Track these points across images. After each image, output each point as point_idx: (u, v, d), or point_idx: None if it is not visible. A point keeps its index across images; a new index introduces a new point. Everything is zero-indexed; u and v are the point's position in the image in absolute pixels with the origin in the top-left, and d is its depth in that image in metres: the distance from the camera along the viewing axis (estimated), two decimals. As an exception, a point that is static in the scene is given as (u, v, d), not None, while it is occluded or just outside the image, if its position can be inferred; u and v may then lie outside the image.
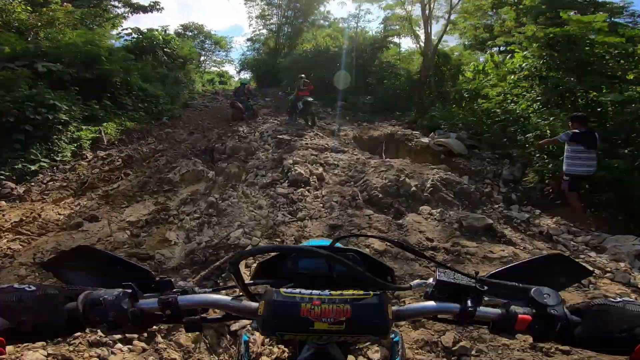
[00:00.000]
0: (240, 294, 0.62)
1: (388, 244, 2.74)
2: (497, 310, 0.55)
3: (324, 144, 6.55)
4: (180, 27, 29.55)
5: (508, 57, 8.72)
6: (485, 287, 0.57)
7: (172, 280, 0.58)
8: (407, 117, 10.61)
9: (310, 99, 8.30)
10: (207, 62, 32.97)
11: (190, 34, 30.11)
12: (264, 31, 26.65)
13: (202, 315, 0.57)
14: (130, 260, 0.61)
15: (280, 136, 6.88)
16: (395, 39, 17.00)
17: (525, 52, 7.30)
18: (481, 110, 7.67)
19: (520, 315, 0.52)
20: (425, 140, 7.44)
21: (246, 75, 26.98)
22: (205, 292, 0.59)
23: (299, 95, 8.53)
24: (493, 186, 5.48)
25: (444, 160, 6.42)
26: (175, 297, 0.53)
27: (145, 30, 13.98)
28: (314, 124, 8.56)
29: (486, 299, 0.58)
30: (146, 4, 15.05)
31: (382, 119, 11.00)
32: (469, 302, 0.55)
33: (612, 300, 0.52)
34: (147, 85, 9.65)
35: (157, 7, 15.31)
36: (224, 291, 0.62)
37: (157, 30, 14.46)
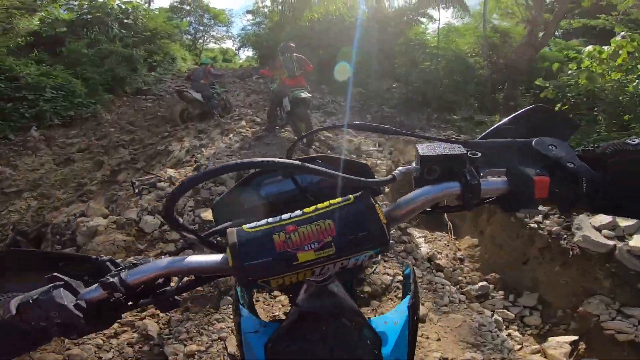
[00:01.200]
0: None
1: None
2: (504, 179, 0.47)
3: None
4: (177, 0, 26.29)
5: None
6: (479, 154, 0.47)
7: (113, 259, 0.49)
8: (476, 123, 6.66)
9: (304, 93, 4.59)
10: (207, 38, 29.45)
11: (188, 7, 26.66)
12: (267, 2, 22.90)
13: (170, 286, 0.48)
14: (71, 252, 0.30)
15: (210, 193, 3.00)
16: (431, 11, 12.68)
17: None
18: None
19: (536, 178, 0.43)
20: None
21: (247, 52, 23.40)
22: (159, 259, 0.47)
23: (284, 86, 4.79)
24: None
25: None
26: (118, 273, 0.44)
27: (96, -2, 10.38)
28: (310, 143, 4.76)
29: (484, 171, 0.49)
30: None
31: (426, 122, 7.15)
32: (470, 175, 0.46)
33: (631, 141, 0.42)
34: (30, 70, 6.10)
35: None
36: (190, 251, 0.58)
37: None
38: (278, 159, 0.44)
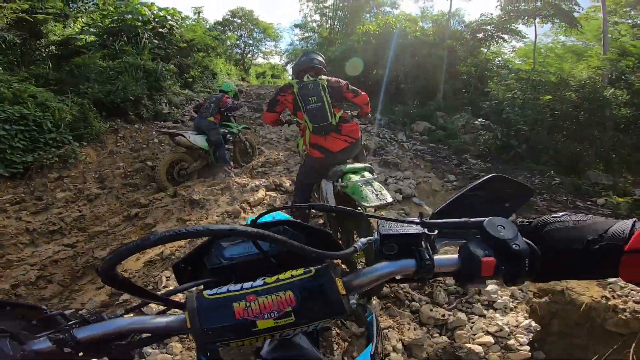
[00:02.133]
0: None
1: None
2: (456, 257, 0.50)
3: None
4: (229, 13, 26.32)
5: None
6: (435, 231, 0.52)
7: (66, 313, 0.47)
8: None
9: (365, 174, 2.08)
10: (256, 53, 29.18)
11: (239, 21, 26.56)
12: (316, 17, 21.68)
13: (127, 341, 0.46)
14: (17, 302, 0.47)
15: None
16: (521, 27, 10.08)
17: None
18: None
19: (483, 259, 0.46)
20: None
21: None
22: (115, 317, 0.47)
23: (316, 150, 2.31)
24: None
25: None
26: (69, 329, 0.43)
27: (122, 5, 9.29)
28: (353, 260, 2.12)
29: (440, 244, 0.54)
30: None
31: (544, 186, 4.70)
32: (424, 254, 0.49)
33: (555, 216, 0.50)
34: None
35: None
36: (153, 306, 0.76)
37: (138, 2, 9.65)
38: (239, 227, 0.43)
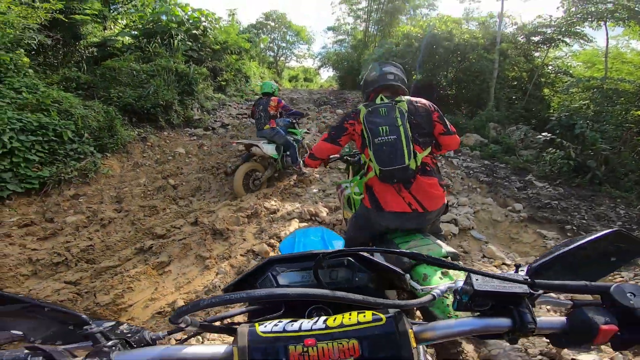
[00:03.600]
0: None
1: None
2: (563, 320, 0.46)
3: None
4: (262, 16, 26.40)
5: None
6: (540, 291, 0.47)
7: (104, 326, 0.45)
8: None
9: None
10: (289, 56, 29.05)
11: (272, 24, 26.57)
12: (350, 19, 21.06)
13: None
14: (57, 306, 0.48)
15: None
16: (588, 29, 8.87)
17: None
18: None
19: (603, 327, 0.41)
20: None
21: (328, 72, 21.96)
22: (157, 337, 0.47)
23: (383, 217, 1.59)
24: None
25: None
26: (109, 352, 0.40)
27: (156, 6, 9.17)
28: None
29: (539, 301, 0.49)
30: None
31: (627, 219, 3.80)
32: (526, 316, 0.43)
33: None
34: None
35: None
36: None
37: (174, 3, 9.51)
38: (310, 291, 0.41)
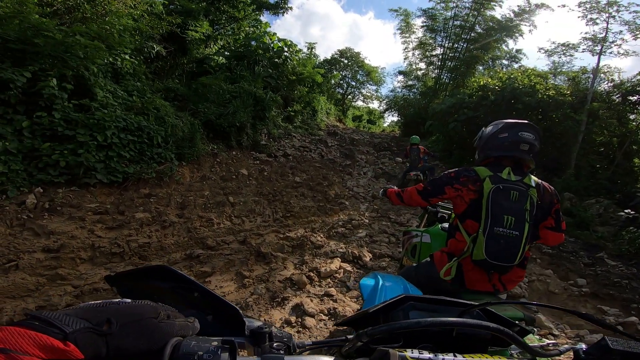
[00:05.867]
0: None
1: None
2: None
3: None
4: (337, 52, 27.57)
5: None
6: None
7: (265, 330, 0.45)
8: None
9: None
10: (357, 95, 29.51)
11: (345, 61, 27.59)
12: (422, 65, 20.96)
13: None
14: (214, 292, 0.50)
15: None
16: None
17: None
18: None
19: None
20: None
21: (392, 116, 21.89)
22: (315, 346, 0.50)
23: None
24: None
25: None
26: (282, 356, 0.41)
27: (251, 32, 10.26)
28: None
29: None
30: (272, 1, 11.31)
31: None
32: None
33: None
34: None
35: (284, 5, 11.38)
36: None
37: (264, 31, 10.53)
38: (464, 320, 0.46)
